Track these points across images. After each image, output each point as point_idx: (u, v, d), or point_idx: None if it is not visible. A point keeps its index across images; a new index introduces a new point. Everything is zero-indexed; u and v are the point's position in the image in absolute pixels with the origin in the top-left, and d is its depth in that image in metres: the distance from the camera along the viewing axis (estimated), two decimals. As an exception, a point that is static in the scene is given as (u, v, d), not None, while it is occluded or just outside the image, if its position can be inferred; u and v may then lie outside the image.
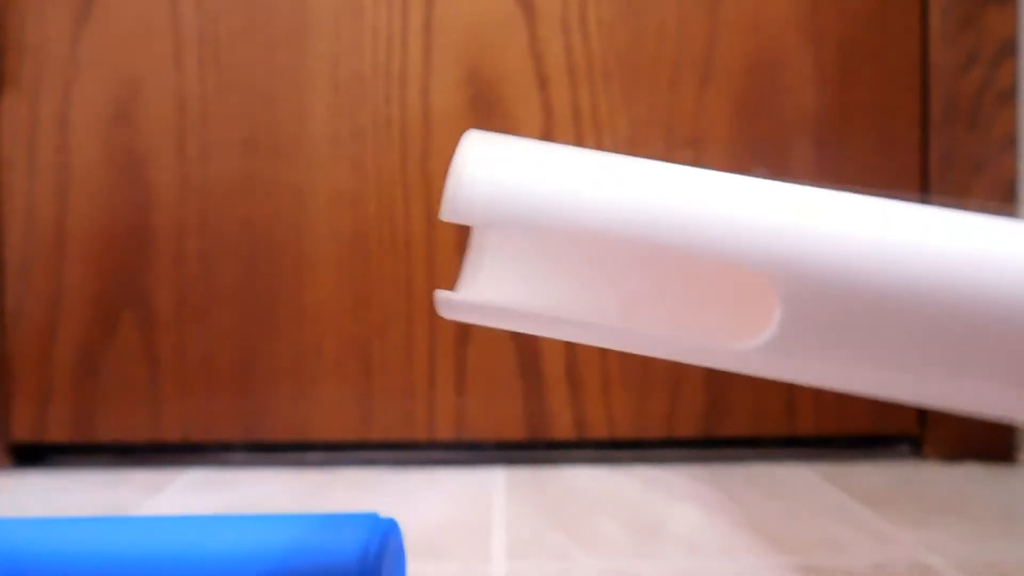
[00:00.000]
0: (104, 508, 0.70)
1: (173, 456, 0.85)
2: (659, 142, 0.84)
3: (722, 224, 0.16)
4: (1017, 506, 0.68)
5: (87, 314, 0.84)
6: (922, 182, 0.85)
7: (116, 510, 0.69)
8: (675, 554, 0.57)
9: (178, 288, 0.84)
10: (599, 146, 0.84)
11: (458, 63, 0.84)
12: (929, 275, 0.15)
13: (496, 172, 0.17)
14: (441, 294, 0.18)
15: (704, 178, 0.17)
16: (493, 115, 0.84)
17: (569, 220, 0.16)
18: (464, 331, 0.84)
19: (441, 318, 0.83)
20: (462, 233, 0.82)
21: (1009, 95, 0.83)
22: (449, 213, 0.17)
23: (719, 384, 0.84)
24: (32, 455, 0.86)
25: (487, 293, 0.18)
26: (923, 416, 0.85)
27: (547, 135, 0.84)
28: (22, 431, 0.84)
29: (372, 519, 0.30)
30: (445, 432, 0.85)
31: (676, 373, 0.85)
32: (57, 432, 0.84)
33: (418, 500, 0.71)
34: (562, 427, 0.85)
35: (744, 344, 0.16)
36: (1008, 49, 0.83)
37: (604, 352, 0.86)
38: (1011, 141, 0.83)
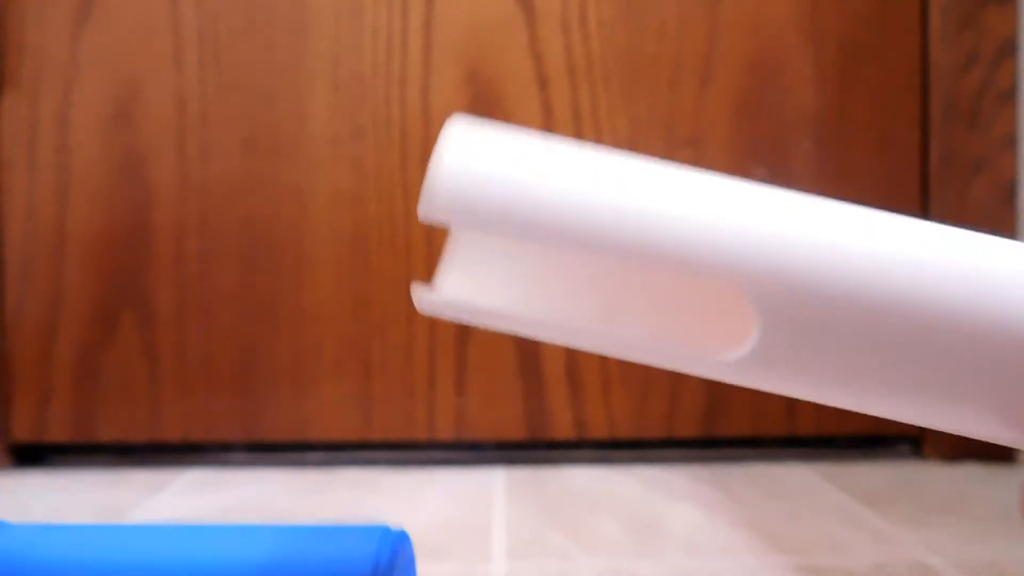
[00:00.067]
0: (104, 508, 0.70)
1: (173, 456, 0.85)
2: (659, 142, 0.84)
3: (699, 243, 0.15)
4: (1017, 506, 0.68)
5: (87, 314, 0.84)
6: (922, 182, 0.85)
7: (116, 510, 0.69)
8: (675, 554, 0.57)
9: (178, 288, 0.84)
10: (599, 146, 0.84)
11: (458, 63, 0.84)
12: (909, 290, 0.15)
13: (474, 176, 0.16)
14: (418, 289, 0.17)
15: (685, 187, 0.17)
16: (493, 115, 0.84)
17: (542, 233, 0.16)
18: (464, 331, 0.84)
19: (440, 319, 0.84)
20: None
21: (1009, 95, 0.83)
22: (425, 215, 0.17)
23: (719, 384, 0.84)
24: (32, 455, 0.86)
25: (464, 290, 0.17)
26: (923, 416, 0.85)
27: (547, 135, 0.84)
28: (22, 431, 0.84)
29: (383, 531, 0.30)
30: (445, 432, 0.85)
31: (676, 373, 0.85)
32: (57, 432, 0.84)
33: (418, 500, 0.71)
34: (562, 427, 0.85)
35: (723, 355, 0.16)
36: (1008, 49, 0.83)
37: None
38: (1011, 141, 0.83)
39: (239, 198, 0.84)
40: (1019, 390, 0.14)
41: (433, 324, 0.84)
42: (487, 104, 0.84)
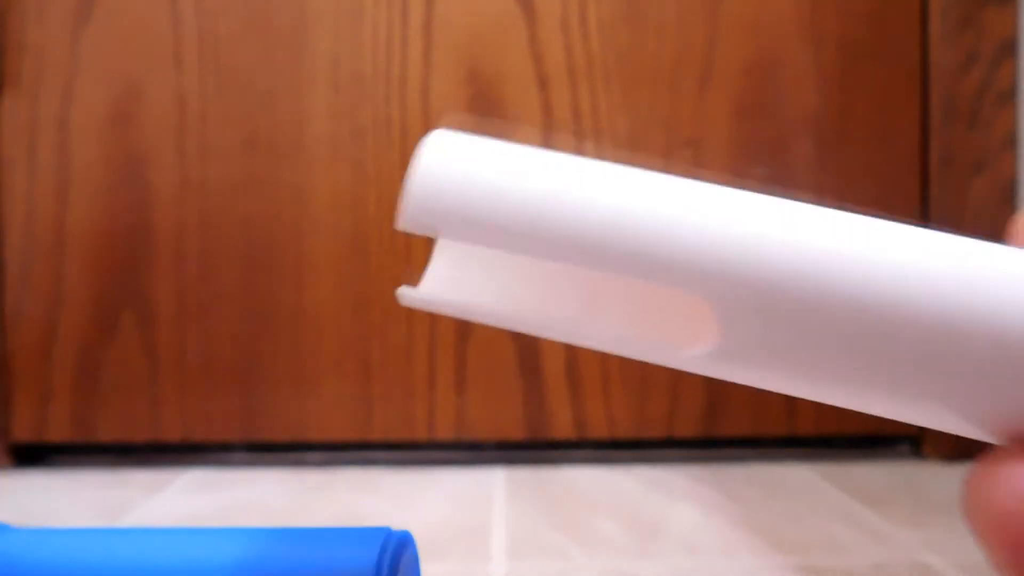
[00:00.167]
0: (104, 508, 0.70)
1: (173, 456, 0.85)
2: (659, 142, 0.84)
3: (659, 254, 0.16)
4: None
5: (87, 314, 0.84)
6: (922, 182, 0.85)
7: (116, 510, 0.69)
8: (675, 554, 0.57)
9: (178, 288, 0.84)
10: (599, 146, 0.84)
11: (458, 63, 0.84)
12: (866, 286, 0.15)
13: (447, 191, 0.17)
14: (404, 290, 0.18)
15: (651, 195, 0.17)
16: (493, 115, 0.84)
17: (523, 245, 0.16)
18: (464, 331, 0.84)
19: (441, 318, 0.84)
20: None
21: (1009, 95, 0.83)
22: (403, 227, 0.17)
23: (719, 384, 0.84)
24: (32, 455, 0.86)
25: (445, 286, 0.17)
26: (923, 416, 0.85)
27: (547, 135, 0.84)
28: (22, 431, 0.84)
29: (386, 533, 0.30)
30: (445, 432, 0.84)
31: (676, 373, 0.85)
32: (57, 432, 0.84)
33: (418, 500, 0.71)
34: (562, 427, 0.85)
35: (690, 350, 0.16)
36: (1008, 49, 0.83)
37: (604, 352, 0.85)
38: (1011, 141, 0.83)
39: (239, 198, 0.84)
40: (990, 386, 0.15)
41: (433, 324, 0.84)
42: (487, 104, 0.84)
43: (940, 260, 0.15)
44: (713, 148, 0.84)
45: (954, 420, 0.15)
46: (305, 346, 0.84)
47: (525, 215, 0.16)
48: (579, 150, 0.73)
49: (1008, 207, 0.84)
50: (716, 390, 0.85)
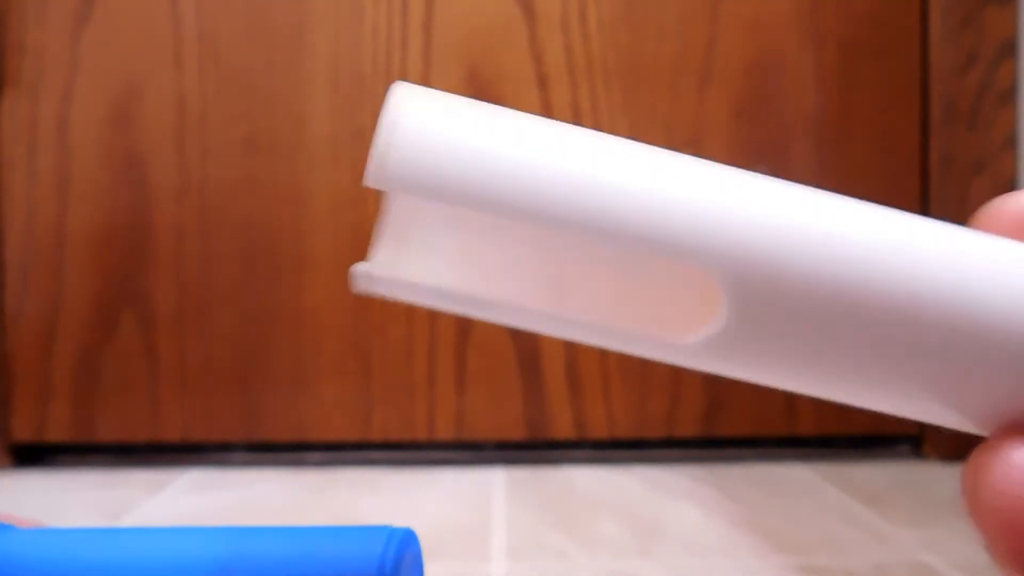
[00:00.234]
0: (104, 508, 0.70)
1: (173, 456, 0.85)
2: (659, 142, 0.84)
3: (670, 216, 0.14)
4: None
5: (87, 314, 0.84)
6: (922, 182, 0.85)
7: (116, 510, 0.69)
8: (675, 554, 0.57)
9: (178, 288, 0.84)
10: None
11: (458, 63, 0.84)
12: (888, 277, 0.15)
13: (434, 139, 0.14)
14: (360, 267, 0.15)
15: (659, 164, 0.15)
16: (493, 115, 0.84)
17: (513, 206, 0.14)
18: (464, 331, 0.84)
19: (441, 318, 0.84)
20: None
21: (1009, 95, 0.83)
22: (374, 182, 0.14)
23: (719, 384, 0.84)
24: (32, 455, 0.86)
25: (407, 267, 0.15)
26: (923, 416, 0.85)
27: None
28: (22, 431, 0.84)
29: (388, 531, 0.30)
30: (445, 432, 0.84)
31: (676, 373, 0.85)
32: (57, 432, 0.84)
33: (418, 500, 0.71)
34: (562, 427, 0.85)
35: (685, 339, 0.15)
36: (1008, 49, 0.83)
37: (604, 352, 0.86)
38: (1011, 141, 0.83)
39: (239, 198, 0.84)
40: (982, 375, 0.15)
41: (433, 324, 0.84)
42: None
43: (935, 247, 0.15)
44: (713, 148, 0.84)
45: (945, 411, 0.15)
46: (305, 346, 0.84)
47: (527, 169, 0.15)
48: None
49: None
50: (716, 390, 0.85)
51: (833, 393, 0.16)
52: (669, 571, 0.54)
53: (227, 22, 0.84)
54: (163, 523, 0.66)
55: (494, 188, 0.14)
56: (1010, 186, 0.83)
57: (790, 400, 0.85)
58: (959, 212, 0.84)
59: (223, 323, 0.84)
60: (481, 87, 0.84)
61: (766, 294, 0.14)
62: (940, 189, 0.84)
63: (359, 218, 0.84)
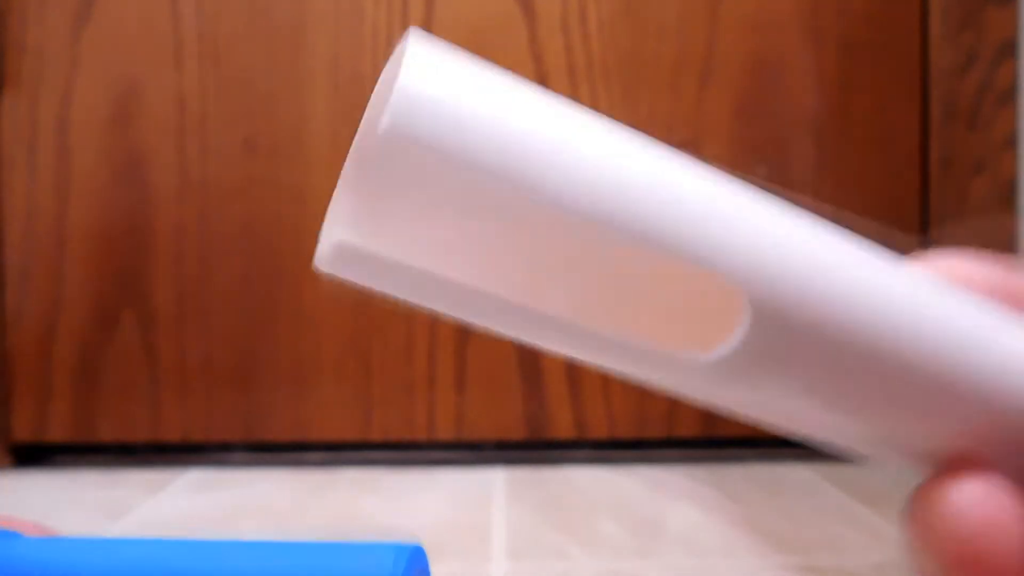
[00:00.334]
0: (104, 508, 0.70)
1: (173, 456, 0.85)
2: (659, 142, 0.84)
3: (707, 221, 0.13)
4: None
5: (87, 314, 0.84)
6: (922, 182, 0.85)
7: (116, 510, 0.69)
8: (675, 554, 0.57)
9: (178, 288, 0.84)
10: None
11: (458, 63, 0.84)
12: (914, 337, 0.15)
13: (459, 86, 0.13)
14: (325, 245, 0.14)
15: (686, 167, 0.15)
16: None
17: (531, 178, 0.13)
18: (464, 331, 0.84)
19: (440, 318, 0.83)
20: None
21: (1009, 95, 0.83)
22: (389, 128, 0.12)
23: (719, 384, 0.84)
24: (32, 455, 0.86)
25: (380, 242, 0.13)
26: (923, 416, 0.85)
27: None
28: (22, 431, 0.84)
29: (396, 548, 0.30)
30: (445, 432, 0.84)
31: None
32: (57, 432, 0.84)
33: (418, 500, 0.71)
34: (562, 427, 0.85)
35: (692, 355, 0.14)
36: (1008, 49, 0.83)
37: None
38: (1011, 141, 0.83)
39: (239, 198, 0.84)
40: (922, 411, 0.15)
41: (433, 324, 0.84)
42: (487, 104, 0.84)
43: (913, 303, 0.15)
44: (713, 148, 0.84)
45: (900, 446, 0.16)
46: (305, 346, 0.84)
47: (549, 144, 0.13)
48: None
49: (1008, 207, 0.84)
50: (716, 390, 0.85)
51: (820, 428, 0.16)
52: (669, 571, 0.54)
53: (227, 22, 0.84)
54: (163, 523, 0.66)
55: (516, 160, 0.13)
56: (1010, 186, 0.83)
57: (790, 400, 0.85)
58: (959, 212, 0.84)
59: (223, 323, 0.84)
60: (481, 87, 0.84)
61: (788, 317, 0.14)
62: (940, 189, 0.84)
63: (359, 218, 0.84)
